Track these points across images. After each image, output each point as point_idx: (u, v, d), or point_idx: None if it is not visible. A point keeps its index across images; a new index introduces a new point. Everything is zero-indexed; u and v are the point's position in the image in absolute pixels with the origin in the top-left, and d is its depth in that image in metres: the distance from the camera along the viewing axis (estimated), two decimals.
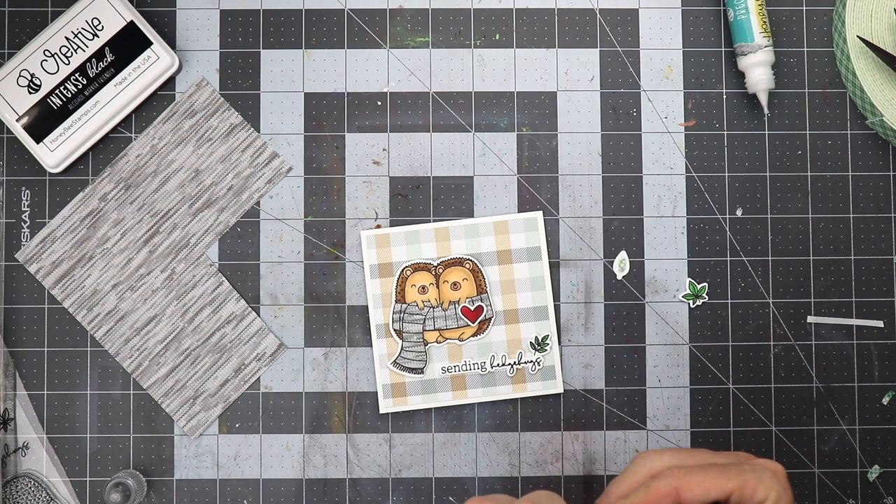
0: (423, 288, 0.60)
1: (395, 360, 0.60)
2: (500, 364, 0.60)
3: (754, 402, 0.61)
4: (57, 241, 0.61)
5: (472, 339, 0.60)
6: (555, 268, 0.61)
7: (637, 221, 0.62)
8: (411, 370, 0.60)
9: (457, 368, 0.60)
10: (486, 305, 0.60)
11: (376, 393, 0.61)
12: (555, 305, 0.61)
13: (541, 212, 0.61)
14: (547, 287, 0.61)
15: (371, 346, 0.61)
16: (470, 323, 0.60)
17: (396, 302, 0.60)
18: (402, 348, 0.60)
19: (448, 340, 0.60)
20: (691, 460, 0.45)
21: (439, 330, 0.60)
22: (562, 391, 0.61)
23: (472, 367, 0.60)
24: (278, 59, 0.62)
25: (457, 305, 0.60)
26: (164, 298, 0.61)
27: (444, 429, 0.61)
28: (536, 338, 0.61)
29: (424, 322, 0.60)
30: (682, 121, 0.62)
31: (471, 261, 0.61)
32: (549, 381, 0.61)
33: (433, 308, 0.60)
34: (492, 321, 0.60)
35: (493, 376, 0.60)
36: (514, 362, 0.60)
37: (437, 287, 0.60)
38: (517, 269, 0.61)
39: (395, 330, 0.60)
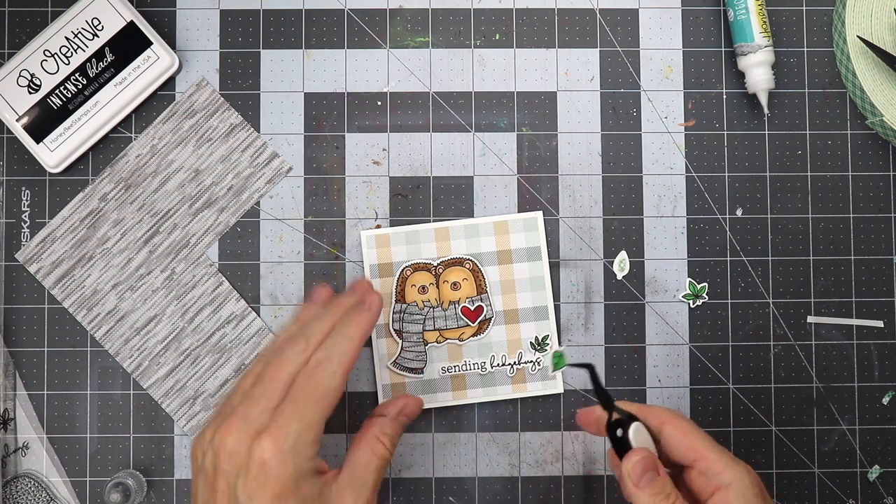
0: (423, 288, 0.60)
1: (394, 361, 0.60)
2: (500, 364, 0.60)
3: (754, 402, 0.61)
4: (57, 241, 0.61)
5: (472, 339, 0.60)
6: (555, 268, 0.61)
7: (637, 221, 0.62)
8: (411, 370, 0.60)
9: (457, 368, 0.60)
10: (486, 305, 0.60)
11: (376, 393, 0.60)
12: (555, 305, 0.61)
13: (541, 212, 0.61)
14: (547, 287, 0.61)
15: (370, 346, 0.61)
16: (470, 323, 0.60)
17: (396, 302, 0.60)
18: (401, 348, 0.60)
19: (448, 340, 0.60)
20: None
21: (439, 330, 0.60)
22: (562, 391, 0.61)
23: (472, 368, 0.60)
24: (278, 59, 0.62)
25: (457, 305, 0.60)
26: (164, 298, 0.61)
27: (444, 429, 0.61)
28: (536, 338, 0.61)
29: (424, 322, 0.60)
30: (682, 121, 0.62)
31: (471, 261, 0.61)
32: (549, 381, 0.61)
33: (433, 308, 0.60)
34: (492, 321, 0.60)
35: (493, 376, 0.60)
36: (514, 362, 0.60)
37: (437, 287, 0.60)
38: (517, 269, 0.61)
39: (394, 330, 0.60)
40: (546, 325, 0.61)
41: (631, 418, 0.49)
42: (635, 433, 0.49)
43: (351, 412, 0.61)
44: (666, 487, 0.48)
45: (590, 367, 0.50)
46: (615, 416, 0.49)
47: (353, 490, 0.50)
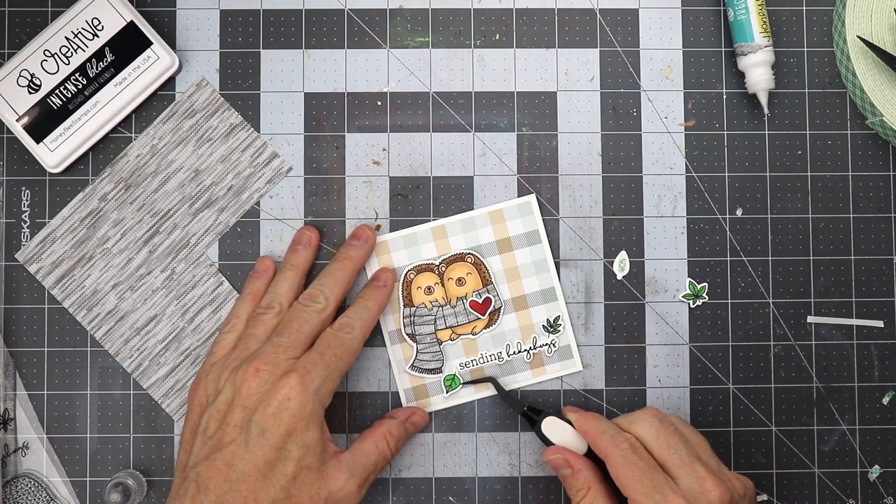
0: (429, 289, 0.60)
1: (412, 364, 0.60)
2: (517, 351, 0.60)
3: (754, 402, 0.61)
4: (57, 241, 0.61)
5: (484, 331, 0.60)
6: (555, 268, 0.61)
7: (637, 221, 0.62)
8: (430, 371, 0.60)
9: (474, 363, 0.60)
10: (494, 296, 0.60)
11: (376, 393, 0.61)
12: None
13: (534, 194, 0.61)
14: (551, 268, 0.61)
15: (369, 346, 0.61)
16: (480, 316, 0.60)
17: (405, 306, 0.60)
18: (417, 351, 0.60)
19: (462, 336, 0.60)
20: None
21: (451, 327, 0.60)
22: (581, 368, 0.61)
23: (489, 360, 0.60)
24: (278, 59, 0.62)
25: (464, 301, 0.60)
26: (164, 298, 0.61)
27: (444, 429, 0.61)
28: (548, 320, 0.60)
29: (435, 322, 0.60)
30: (682, 121, 0.62)
31: (472, 254, 0.61)
32: (566, 360, 0.61)
33: (442, 307, 0.60)
34: (501, 310, 0.60)
35: (511, 365, 0.60)
36: (530, 347, 0.60)
37: (443, 285, 0.60)
38: (518, 255, 0.61)
39: (407, 334, 0.60)
40: (556, 306, 0.61)
41: (540, 414, 0.57)
42: (548, 427, 0.56)
43: (351, 412, 0.61)
44: (576, 483, 0.54)
45: (491, 380, 0.59)
46: (532, 415, 0.57)
47: (348, 471, 0.53)
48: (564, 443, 0.56)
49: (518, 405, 0.58)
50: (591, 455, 0.56)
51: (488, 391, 0.60)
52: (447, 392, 0.60)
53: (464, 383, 0.60)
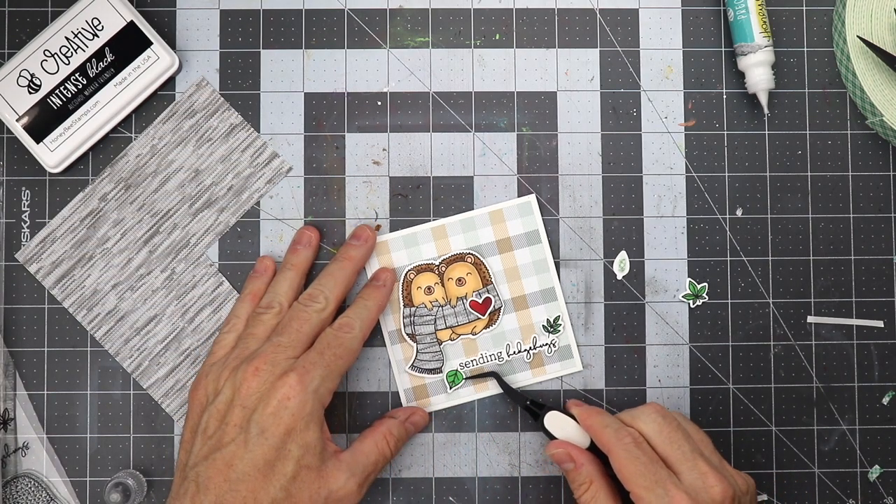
0: (429, 289, 0.60)
1: (412, 364, 0.60)
2: (517, 351, 0.60)
3: (754, 402, 0.61)
4: (57, 241, 0.61)
5: (485, 331, 0.60)
6: (555, 268, 0.61)
7: (637, 221, 0.62)
8: (430, 371, 0.60)
9: (474, 363, 0.60)
10: (494, 296, 0.60)
11: (376, 393, 0.61)
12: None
13: (534, 194, 0.61)
14: (551, 268, 0.61)
15: (368, 346, 0.61)
16: (480, 316, 0.60)
17: (405, 306, 0.60)
18: (417, 351, 0.60)
19: (462, 336, 0.60)
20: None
21: (451, 327, 0.60)
22: (580, 368, 0.61)
23: (489, 360, 0.60)
24: (278, 59, 0.62)
25: (464, 301, 0.60)
26: (164, 298, 0.61)
27: (444, 429, 0.61)
28: (548, 320, 0.61)
29: (435, 322, 0.60)
30: (682, 121, 0.62)
31: (472, 254, 0.61)
32: (566, 360, 0.61)
33: (442, 307, 0.60)
34: (501, 310, 0.60)
35: (511, 365, 0.60)
36: (530, 347, 0.60)
37: (443, 285, 0.60)
38: (518, 255, 0.61)
39: (407, 334, 0.60)
40: (556, 306, 0.61)
41: (543, 409, 0.57)
42: (551, 422, 0.57)
43: (351, 412, 0.61)
44: (579, 478, 0.54)
45: (494, 375, 0.60)
46: (535, 410, 0.58)
47: (348, 470, 0.53)
48: (567, 437, 0.56)
49: (521, 399, 0.59)
50: (593, 450, 0.56)
51: (490, 389, 0.60)
52: (450, 388, 0.60)
53: (467, 378, 0.60)
